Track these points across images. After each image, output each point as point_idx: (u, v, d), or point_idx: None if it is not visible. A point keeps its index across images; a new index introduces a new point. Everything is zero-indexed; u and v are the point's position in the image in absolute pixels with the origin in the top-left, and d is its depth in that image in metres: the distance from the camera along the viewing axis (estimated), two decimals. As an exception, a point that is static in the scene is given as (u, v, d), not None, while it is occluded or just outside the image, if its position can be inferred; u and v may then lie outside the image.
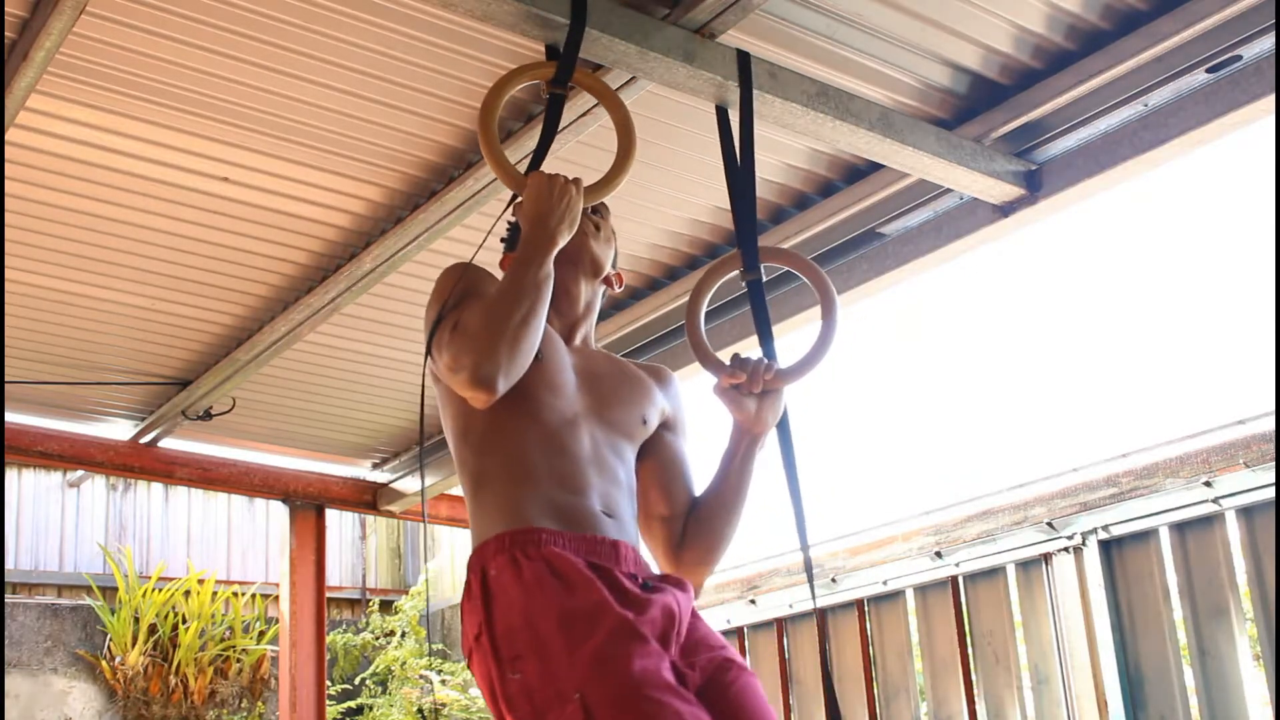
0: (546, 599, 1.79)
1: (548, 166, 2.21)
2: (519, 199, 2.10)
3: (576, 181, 2.09)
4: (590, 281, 2.22)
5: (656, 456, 2.17)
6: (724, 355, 2.28)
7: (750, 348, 3.60)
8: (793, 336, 3.74)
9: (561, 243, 2.03)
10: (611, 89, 2.49)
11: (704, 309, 2.41)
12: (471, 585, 1.89)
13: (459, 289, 2.00)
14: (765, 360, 2.19)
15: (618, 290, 2.32)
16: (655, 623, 1.81)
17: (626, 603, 1.81)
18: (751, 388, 2.15)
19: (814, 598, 2.26)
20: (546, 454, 1.95)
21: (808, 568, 2.19)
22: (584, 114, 2.86)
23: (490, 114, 2.27)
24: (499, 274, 2.09)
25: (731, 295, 3.74)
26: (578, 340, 2.18)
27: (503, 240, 2.35)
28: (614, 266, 2.29)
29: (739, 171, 2.52)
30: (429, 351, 1.99)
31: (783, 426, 2.22)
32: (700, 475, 2.22)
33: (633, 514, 2.03)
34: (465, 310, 1.95)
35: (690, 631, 1.91)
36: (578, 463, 1.97)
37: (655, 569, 2.03)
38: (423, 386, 2.07)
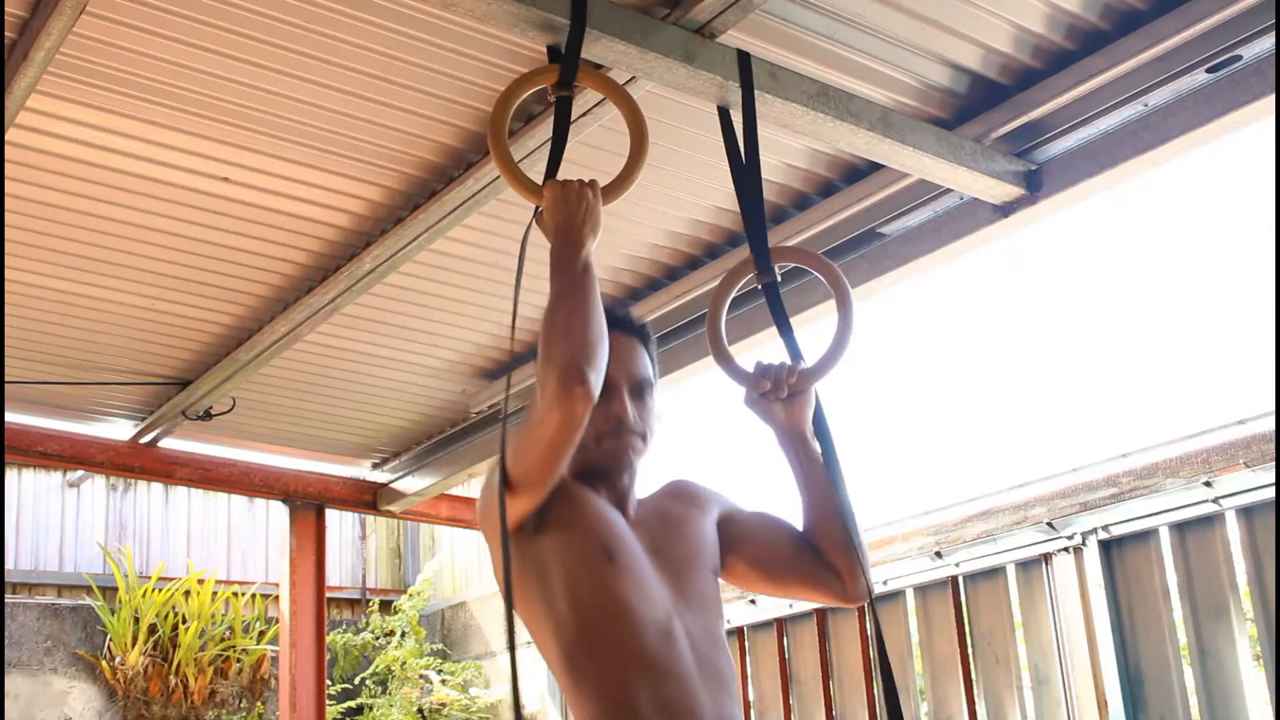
0: None
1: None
2: (540, 211, 2.05)
3: (593, 184, 2.05)
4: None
5: (741, 543, 2.11)
6: (734, 351, 2.27)
7: (760, 345, 3.63)
8: (795, 336, 3.71)
9: (589, 245, 1.97)
10: (619, 84, 2.48)
11: (724, 322, 2.37)
12: None
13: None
14: (787, 364, 2.17)
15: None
16: None
17: None
18: (778, 394, 2.12)
19: (870, 591, 2.11)
20: (654, 687, 1.83)
21: (862, 557, 2.08)
22: (584, 114, 2.86)
23: (500, 127, 2.24)
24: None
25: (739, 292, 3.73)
26: (631, 510, 2.05)
27: None
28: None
29: (745, 173, 2.48)
30: (503, 487, 1.83)
31: (819, 421, 2.17)
32: (772, 508, 2.16)
33: (739, 709, 1.95)
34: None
35: None
36: (686, 687, 1.85)
37: None
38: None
